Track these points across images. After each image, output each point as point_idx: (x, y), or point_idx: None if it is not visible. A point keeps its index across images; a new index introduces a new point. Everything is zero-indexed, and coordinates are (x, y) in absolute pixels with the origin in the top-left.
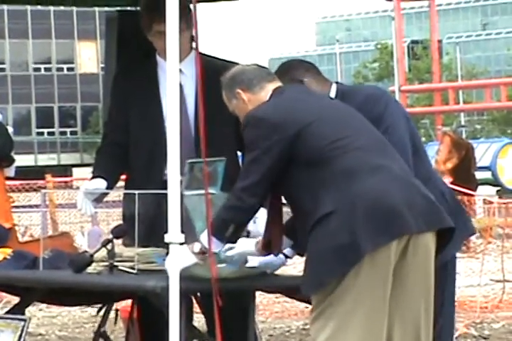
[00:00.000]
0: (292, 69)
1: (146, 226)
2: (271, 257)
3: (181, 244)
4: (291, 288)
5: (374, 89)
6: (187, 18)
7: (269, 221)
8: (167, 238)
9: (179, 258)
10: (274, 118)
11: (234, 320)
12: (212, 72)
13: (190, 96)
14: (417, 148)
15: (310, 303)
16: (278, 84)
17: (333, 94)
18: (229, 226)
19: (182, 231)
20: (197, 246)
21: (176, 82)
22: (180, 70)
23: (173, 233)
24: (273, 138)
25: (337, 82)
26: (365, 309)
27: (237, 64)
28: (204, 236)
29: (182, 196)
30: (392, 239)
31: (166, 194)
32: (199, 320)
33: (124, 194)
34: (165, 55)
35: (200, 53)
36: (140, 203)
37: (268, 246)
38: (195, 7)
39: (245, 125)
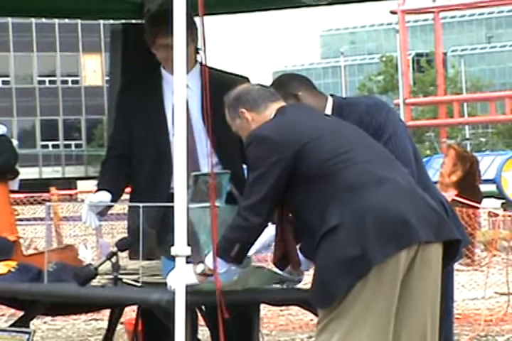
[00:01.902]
0: (286, 83)
1: (153, 239)
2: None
3: (188, 256)
4: (296, 301)
5: (374, 99)
6: (192, 31)
7: (281, 236)
8: (173, 251)
9: (182, 274)
10: (277, 137)
11: (238, 332)
12: (218, 86)
13: (195, 110)
14: (416, 156)
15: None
16: (282, 104)
17: (329, 106)
18: (234, 246)
19: (188, 244)
20: (200, 268)
21: (183, 97)
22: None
23: (180, 246)
24: (276, 157)
25: (332, 95)
26: (372, 321)
27: (243, 77)
28: (209, 258)
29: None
30: (401, 249)
31: (171, 207)
32: (203, 333)
33: (129, 207)
34: (168, 67)
35: (206, 66)
36: (145, 216)
37: (282, 261)
38: (202, 20)
39: (249, 143)
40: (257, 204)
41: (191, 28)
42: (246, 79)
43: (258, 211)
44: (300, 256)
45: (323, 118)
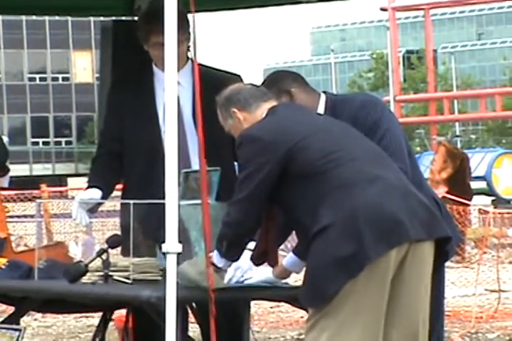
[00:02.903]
0: (279, 80)
1: (146, 236)
2: (267, 273)
3: (179, 253)
4: (287, 299)
5: (368, 95)
6: (185, 29)
7: (264, 232)
8: (164, 248)
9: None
10: (267, 137)
11: (229, 330)
12: (209, 83)
13: (187, 107)
14: (409, 153)
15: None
16: (273, 103)
17: (322, 103)
18: (223, 242)
19: (179, 241)
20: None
21: (174, 94)
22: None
23: (171, 243)
24: (266, 157)
25: (325, 92)
26: (361, 319)
27: (234, 74)
28: (215, 255)
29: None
30: (392, 247)
31: (162, 204)
32: (194, 330)
33: (121, 205)
34: (162, 65)
35: (199, 64)
36: (136, 213)
37: (262, 257)
38: (193, 17)
39: (239, 143)
40: (240, 201)
41: (185, 27)
42: (237, 77)
43: (240, 207)
44: (292, 258)
45: (315, 117)
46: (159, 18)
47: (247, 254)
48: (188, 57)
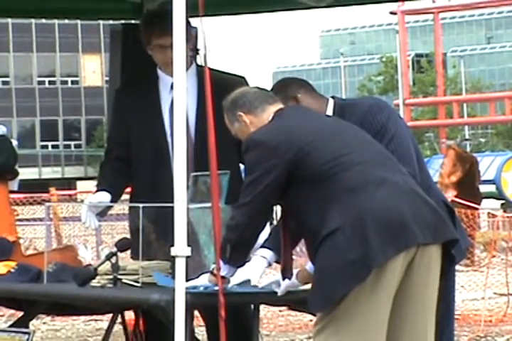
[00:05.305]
0: (286, 86)
1: (154, 239)
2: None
3: (187, 257)
4: (295, 303)
5: (376, 99)
6: (185, 31)
7: (284, 247)
8: (173, 251)
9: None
10: (272, 142)
11: (238, 333)
12: (214, 85)
13: (191, 110)
14: (417, 156)
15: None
16: (279, 106)
17: (330, 108)
18: (227, 246)
19: (188, 245)
20: (203, 279)
21: (182, 98)
22: None
23: (180, 246)
24: (271, 161)
25: (333, 97)
26: (369, 323)
27: (240, 77)
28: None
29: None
30: (400, 251)
31: (171, 207)
32: (203, 333)
33: (130, 208)
34: (165, 68)
35: (202, 66)
36: (145, 217)
37: (285, 271)
38: (201, 21)
39: (245, 148)
40: (245, 205)
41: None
42: (242, 79)
43: (245, 211)
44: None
45: (322, 119)
46: (159, 20)
47: (257, 260)
48: (192, 60)
